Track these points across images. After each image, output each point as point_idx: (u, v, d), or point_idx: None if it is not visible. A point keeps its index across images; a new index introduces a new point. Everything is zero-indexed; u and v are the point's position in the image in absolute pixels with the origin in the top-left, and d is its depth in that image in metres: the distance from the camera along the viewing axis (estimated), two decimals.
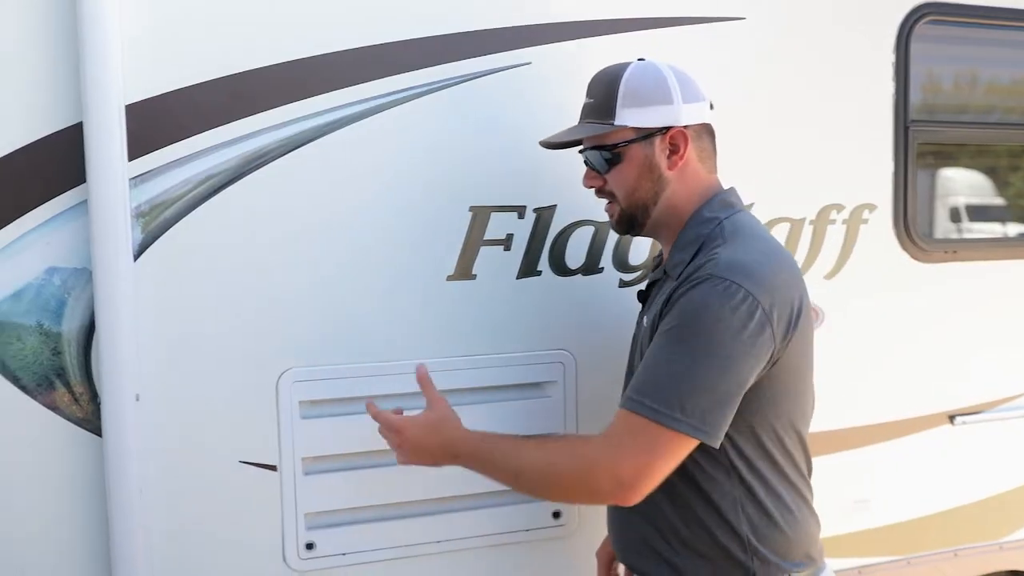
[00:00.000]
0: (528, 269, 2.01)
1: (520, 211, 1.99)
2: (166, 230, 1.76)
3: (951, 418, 2.48)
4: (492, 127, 1.96)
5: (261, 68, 1.79)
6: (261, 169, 1.80)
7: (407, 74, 1.89)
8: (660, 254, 1.82)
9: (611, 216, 1.75)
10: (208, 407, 1.81)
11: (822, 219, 2.27)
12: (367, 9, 1.87)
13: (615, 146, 1.67)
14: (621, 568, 1.89)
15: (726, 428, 1.50)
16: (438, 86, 1.91)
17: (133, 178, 1.72)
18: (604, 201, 1.76)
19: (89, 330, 1.73)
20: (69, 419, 1.74)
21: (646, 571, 1.70)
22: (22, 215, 1.68)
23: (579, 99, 1.75)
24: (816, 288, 2.24)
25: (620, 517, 1.76)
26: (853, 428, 2.36)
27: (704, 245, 1.60)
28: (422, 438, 1.65)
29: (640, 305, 1.81)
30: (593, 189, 1.76)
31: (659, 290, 1.69)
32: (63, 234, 1.71)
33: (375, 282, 1.91)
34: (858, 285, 2.32)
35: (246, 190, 1.80)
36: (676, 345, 1.51)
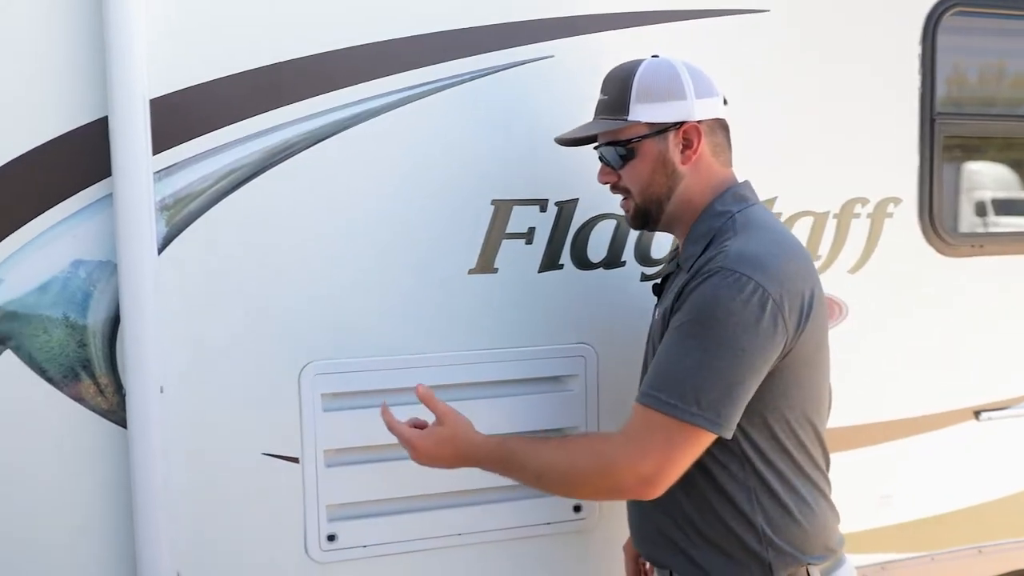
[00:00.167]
0: (550, 263, 2.01)
1: (542, 204, 1.99)
2: (190, 223, 1.77)
3: (976, 414, 2.46)
4: (515, 121, 1.96)
5: (284, 62, 1.80)
6: (284, 163, 1.81)
7: (430, 67, 1.89)
8: (676, 247, 1.83)
9: (626, 211, 1.76)
10: (231, 399, 1.83)
11: (846, 213, 2.25)
12: (388, 3, 1.87)
13: (629, 142, 1.68)
14: (648, 562, 1.89)
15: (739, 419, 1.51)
16: (461, 79, 1.91)
17: (157, 172, 1.73)
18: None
19: (114, 322, 1.75)
20: (94, 411, 1.76)
21: (663, 561, 1.71)
22: (49, 208, 1.70)
23: None
24: (840, 282, 2.24)
25: (638, 508, 1.77)
26: (877, 423, 2.34)
27: (715, 238, 1.61)
28: (435, 452, 1.64)
29: (655, 298, 1.82)
30: (608, 185, 1.76)
31: (672, 283, 1.71)
32: (89, 227, 1.72)
33: (397, 275, 1.91)
34: (882, 280, 2.30)
35: (269, 184, 1.81)
36: (689, 339, 1.51)
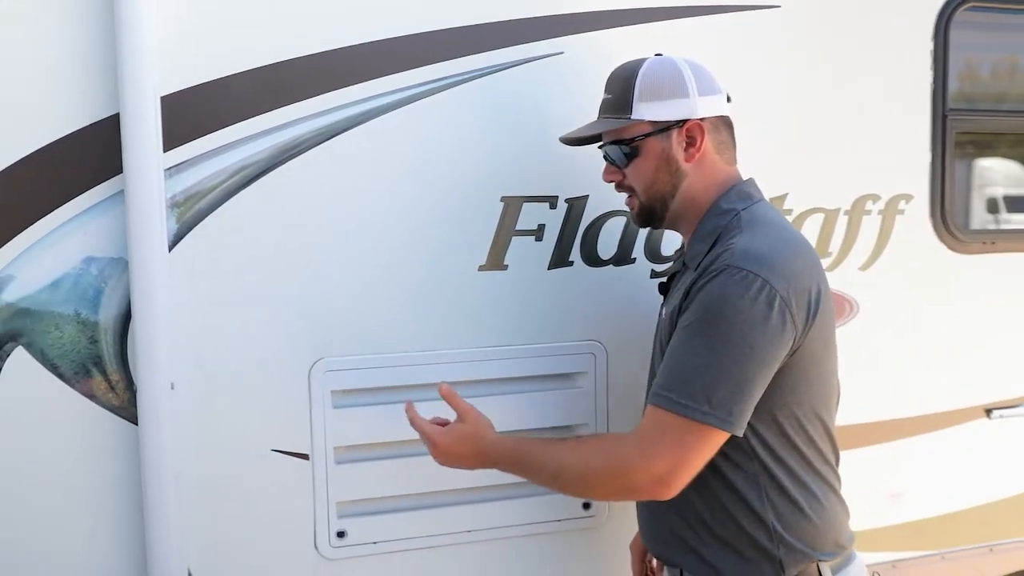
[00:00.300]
0: (560, 259, 2.01)
1: (552, 201, 1.99)
2: (200, 220, 1.78)
3: (988, 411, 2.45)
4: (524, 117, 1.96)
5: (294, 59, 1.80)
6: (294, 159, 1.81)
7: (440, 64, 1.89)
8: (682, 246, 1.82)
9: (631, 210, 1.77)
10: (241, 396, 1.83)
11: (857, 209, 2.24)
12: (398, 0, 1.87)
13: (632, 140, 1.68)
14: (655, 560, 1.89)
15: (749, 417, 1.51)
16: (471, 76, 1.91)
17: (168, 169, 1.74)
18: None
19: (125, 319, 1.75)
20: (105, 407, 1.77)
21: (674, 561, 1.71)
22: (61, 205, 1.70)
23: None
24: (851, 279, 2.23)
25: (648, 508, 1.77)
26: (888, 421, 2.33)
27: (721, 236, 1.61)
28: (456, 449, 1.65)
29: (662, 297, 1.81)
30: (613, 184, 1.76)
31: (679, 282, 1.71)
32: (100, 224, 1.73)
33: (407, 272, 1.91)
34: (894, 276, 2.29)
35: (280, 181, 1.81)
36: (698, 338, 1.51)
